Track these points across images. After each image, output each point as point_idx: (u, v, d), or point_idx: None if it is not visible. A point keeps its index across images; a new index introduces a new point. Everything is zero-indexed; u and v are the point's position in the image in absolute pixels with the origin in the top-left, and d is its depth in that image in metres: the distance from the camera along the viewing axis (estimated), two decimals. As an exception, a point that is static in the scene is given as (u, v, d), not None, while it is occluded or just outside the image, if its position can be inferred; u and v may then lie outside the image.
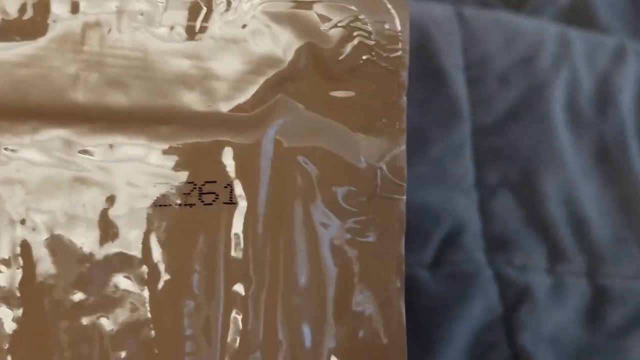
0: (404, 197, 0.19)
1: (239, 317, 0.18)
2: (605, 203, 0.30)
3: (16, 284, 0.18)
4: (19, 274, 0.18)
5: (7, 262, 0.18)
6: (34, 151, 0.18)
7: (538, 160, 0.30)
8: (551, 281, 0.29)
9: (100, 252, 0.18)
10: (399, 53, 0.19)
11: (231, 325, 0.18)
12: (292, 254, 0.18)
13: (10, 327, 0.17)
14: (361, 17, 0.19)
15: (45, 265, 0.18)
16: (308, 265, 0.18)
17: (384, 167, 0.19)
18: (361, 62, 0.19)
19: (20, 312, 0.18)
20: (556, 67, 0.32)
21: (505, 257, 0.29)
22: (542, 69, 0.32)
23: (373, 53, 0.19)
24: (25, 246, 0.18)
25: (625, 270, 0.29)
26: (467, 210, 0.30)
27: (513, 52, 0.32)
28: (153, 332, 0.18)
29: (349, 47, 0.19)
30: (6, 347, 0.17)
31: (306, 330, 0.18)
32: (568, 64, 0.32)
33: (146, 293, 0.18)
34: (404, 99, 0.19)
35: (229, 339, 0.18)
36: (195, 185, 0.18)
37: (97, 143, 0.18)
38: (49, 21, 0.18)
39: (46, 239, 0.18)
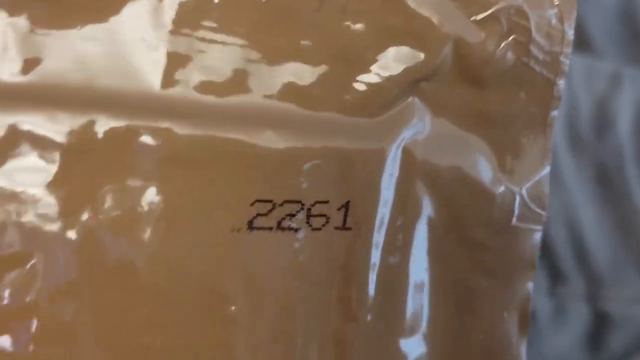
0: (541, 227, 0.16)
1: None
2: (605, 226, 0.30)
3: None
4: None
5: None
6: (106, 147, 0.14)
7: (539, 182, 0.30)
8: (552, 304, 0.28)
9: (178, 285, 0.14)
10: (560, 58, 0.16)
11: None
12: (408, 292, 0.15)
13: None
14: (523, 8, 0.15)
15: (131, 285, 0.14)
16: (426, 305, 0.15)
17: (524, 193, 0.16)
18: (513, 65, 0.15)
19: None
20: (556, 89, 0.32)
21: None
22: (541, 90, 0.32)
23: (529, 55, 0.16)
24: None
25: (625, 294, 0.29)
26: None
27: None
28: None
29: (502, 45, 0.15)
30: None
31: None
32: (567, 87, 0.32)
33: (238, 328, 0.14)
34: (555, 113, 0.16)
35: None
36: (302, 205, 0.14)
37: (179, 146, 0.14)
38: None
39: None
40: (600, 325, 0.29)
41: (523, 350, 0.16)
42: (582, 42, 0.35)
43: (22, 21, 0.13)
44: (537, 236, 0.16)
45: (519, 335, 0.16)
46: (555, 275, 0.29)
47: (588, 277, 0.29)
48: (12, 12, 0.13)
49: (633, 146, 0.31)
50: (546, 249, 0.29)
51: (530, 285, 0.16)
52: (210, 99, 0.14)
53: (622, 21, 0.37)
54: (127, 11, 0.14)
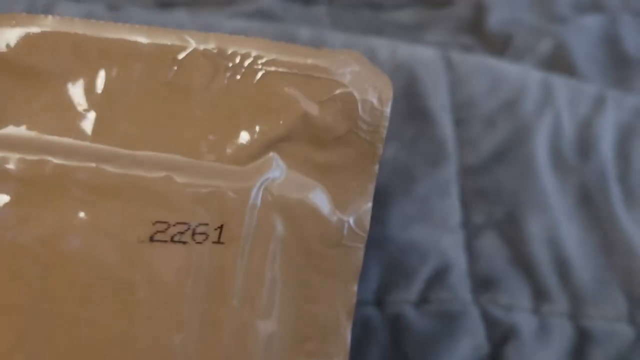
0: (363, 245, 0.21)
1: (216, 336, 0.20)
2: (588, 245, 0.30)
3: (19, 294, 0.20)
4: (22, 284, 0.20)
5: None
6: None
7: (523, 202, 0.31)
8: (536, 321, 0.29)
9: (103, 275, 0.20)
10: (380, 128, 0.21)
11: (208, 341, 0.20)
12: (266, 287, 0.21)
13: (13, 336, 0.19)
14: (352, 94, 0.21)
15: (53, 277, 0.20)
16: (278, 296, 0.21)
17: (351, 221, 0.21)
18: (345, 133, 0.21)
19: (21, 321, 0.19)
20: (540, 111, 0.32)
21: (491, 296, 0.29)
22: (526, 113, 0.32)
23: (356, 126, 0.21)
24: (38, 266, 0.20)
25: (607, 312, 0.29)
26: (454, 249, 0.30)
27: (498, 96, 0.33)
28: (141, 344, 0.20)
29: (337, 119, 0.21)
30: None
31: (271, 349, 0.21)
32: (551, 109, 0.33)
33: (139, 312, 0.20)
34: (376, 166, 0.22)
35: (205, 355, 0.20)
36: (189, 226, 0.20)
37: (110, 178, 0.20)
38: (69, 69, 0.20)
39: (57, 261, 0.20)
40: (583, 343, 0.29)
41: (349, 332, 0.21)
42: (566, 67, 0.36)
43: None
44: (361, 250, 0.21)
45: (346, 321, 0.21)
46: (539, 294, 0.29)
47: (571, 295, 0.29)
48: None
49: (616, 167, 0.32)
50: (530, 267, 0.30)
51: (355, 286, 0.21)
52: (125, 149, 0.20)
53: (605, 46, 0.38)
54: (68, 84, 0.20)
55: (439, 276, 0.29)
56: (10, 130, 0.20)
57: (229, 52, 0.21)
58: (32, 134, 0.20)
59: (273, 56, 0.21)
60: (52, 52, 0.20)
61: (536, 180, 0.31)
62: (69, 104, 0.20)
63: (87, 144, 0.20)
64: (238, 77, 0.21)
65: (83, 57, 0.20)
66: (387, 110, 0.21)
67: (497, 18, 0.38)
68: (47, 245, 0.19)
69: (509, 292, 0.29)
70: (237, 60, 0.21)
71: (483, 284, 0.29)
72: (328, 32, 0.34)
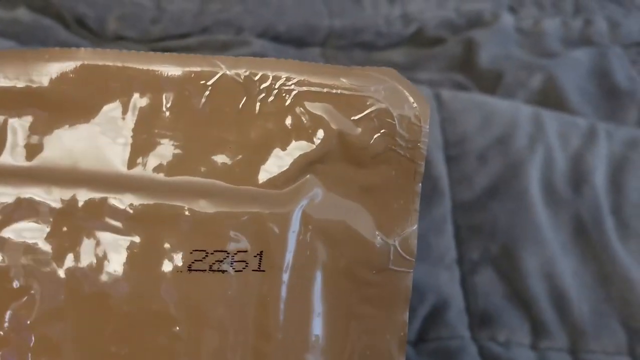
0: (412, 270, 0.20)
1: None
2: (584, 278, 0.30)
3: (58, 334, 0.19)
4: (62, 326, 0.19)
5: (52, 314, 0.19)
6: (83, 214, 0.20)
7: (517, 237, 0.31)
8: (535, 357, 0.29)
9: (140, 309, 0.19)
10: (419, 145, 0.20)
11: None
12: (310, 318, 0.20)
13: None
14: (388, 110, 0.20)
15: (88, 318, 0.19)
16: (323, 328, 0.20)
17: (397, 244, 0.20)
18: (384, 151, 0.20)
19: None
20: (531, 146, 0.33)
21: (489, 333, 0.29)
22: (518, 148, 0.33)
23: (395, 144, 0.20)
24: (70, 300, 0.19)
25: (607, 346, 0.29)
26: (450, 286, 0.30)
27: (490, 132, 0.33)
28: None
29: (374, 137, 0.20)
30: None
31: None
32: (543, 143, 0.33)
33: (178, 348, 0.19)
34: (419, 185, 0.21)
35: None
36: (228, 253, 0.19)
37: (141, 210, 0.19)
38: (104, 98, 0.20)
39: (90, 294, 0.19)
40: (584, 377, 0.29)
41: None
42: (558, 101, 0.37)
43: (26, 122, 0.20)
44: (410, 277, 0.21)
45: (398, 354, 0.21)
46: (538, 329, 0.29)
47: (570, 329, 0.29)
48: (19, 114, 0.20)
49: (609, 199, 0.32)
50: (527, 302, 0.30)
51: (406, 315, 0.21)
52: (161, 176, 0.20)
53: (596, 79, 0.38)
54: (102, 114, 0.20)
55: (437, 314, 0.29)
56: (46, 162, 0.20)
57: (260, 74, 0.20)
58: (67, 165, 0.20)
59: (304, 76, 0.20)
60: (85, 84, 0.20)
61: (530, 215, 0.31)
62: (103, 134, 0.20)
63: (122, 173, 0.20)
64: (270, 99, 0.20)
65: (115, 87, 0.20)
66: (426, 126, 0.20)
67: (487, 55, 0.39)
68: (85, 279, 0.19)
69: (507, 328, 0.29)
70: (269, 82, 0.20)
71: (481, 320, 0.29)
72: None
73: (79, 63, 0.20)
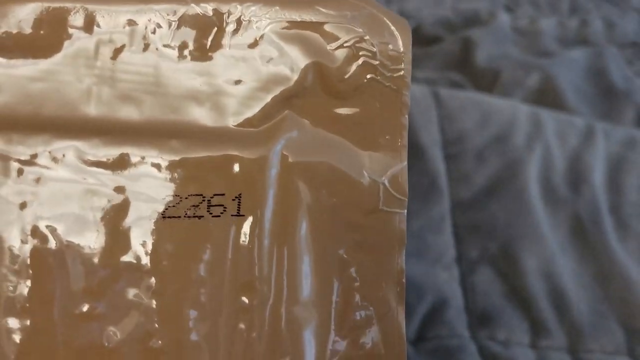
0: (405, 211, 0.19)
1: (244, 328, 0.18)
2: (583, 277, 0.30)
3: (25, 294, 0.18)
4: (27, 285, 0.18)
5: (17, 272, 0.18)
6: (47, 163, 0.19)
7: (516, 235, 0.31)
8: (535, 356, 0.28)
9: (110, 263, 0.18)
10: (402, 73, 0.19)
11: (236, 335, 0.18)
12: (296, 266, 0.18)
13: (18, 337, 0.18)
14: (366, 38, 0.19)
15: (54, 275, 0.18)
16: (311, 277, 0.18)
17: (386, 182, 0.19)
18: (365, 81, 0.19)
19: (28, 322, 0.18)
20: (530, 145, 0.33)
21: (489, 332, 0.29)
22: (516, 147, 0.33)
23: (377, 73, 0.19)
24: (35, 256, 0.18)
25: (606, 345, 0.29)
26: (449, 285, 0.30)
27: (488, 130, 0.33)
28: (160, 342, 0.18)
29: (354, 67, 0.19)
30: (13, 358, 0.17)
31: (309, 341, 0.18)
32: (541, 142, 0.33)
33: (153, 303, 0.18)
34: (405, 117, 0.19)
35: (233, 349, 0.18)
36: (204, 197, 0.18)
37: (108, 155, 0.18)
38: (64, 38, 0.19)
39: (55, 249, 0.18)
40: (583, 377, 0.29)
41: (402, 315, 0.18)
42: (555, 100, 0.37)
43: None
44: (403, 217, 0.19)
45: (397, 303, 0.18)
46: (537, 328, 0.29)
47: (569, 328, 0.29)
48: None
49: (607, 198, 0.32)
50: (526, 301, 0.29)
51: (402, 260, 0.19)
52: (129, 118, 0.19)
53: (592, 78, 0.38)
54: (63, 55, 0.19)
55: (436, 313, 0.29)
56: (6, 108, 0.19)
57: (229, 6, 0.19)
58: (29, 110, 0.18)
59: (276, 7, 0.19)
60: (44, 25, 0.19)
61: (529, 214, 0.31)
62: (66, 75, 0.19)
63: (87, 116, 0.19)
64: (241, 31, 0.19)
65: (75, 26, 0.19)
66: (409, 53, 0.19)
67: (484, 54, 0.39)
68: (51, 232, 0.18)
69: (506, 327, 0.29)
70: (238, 14, 0.19)
71: (480, 319, 0.29)
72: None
73: (37, 4, 0.19)
